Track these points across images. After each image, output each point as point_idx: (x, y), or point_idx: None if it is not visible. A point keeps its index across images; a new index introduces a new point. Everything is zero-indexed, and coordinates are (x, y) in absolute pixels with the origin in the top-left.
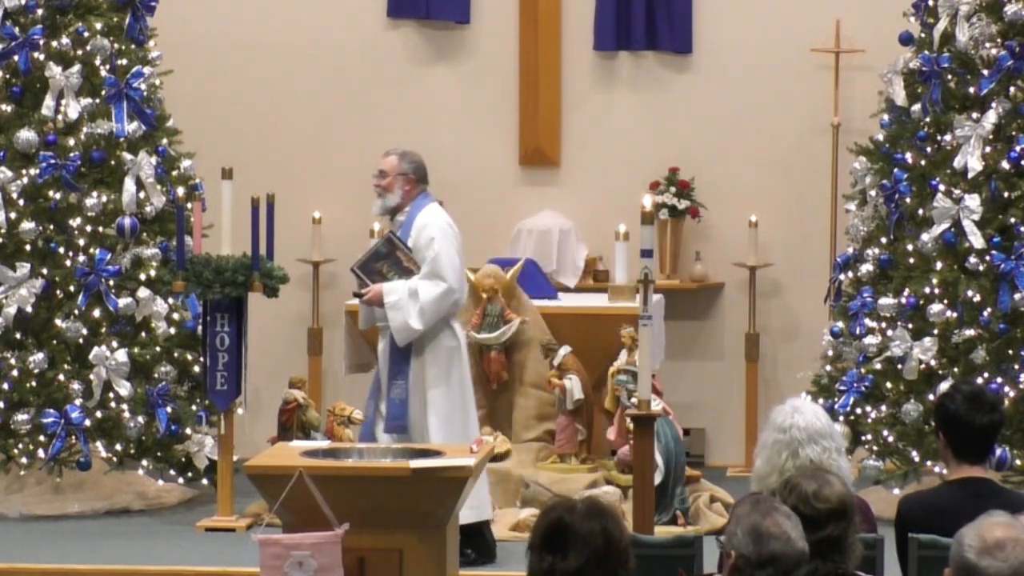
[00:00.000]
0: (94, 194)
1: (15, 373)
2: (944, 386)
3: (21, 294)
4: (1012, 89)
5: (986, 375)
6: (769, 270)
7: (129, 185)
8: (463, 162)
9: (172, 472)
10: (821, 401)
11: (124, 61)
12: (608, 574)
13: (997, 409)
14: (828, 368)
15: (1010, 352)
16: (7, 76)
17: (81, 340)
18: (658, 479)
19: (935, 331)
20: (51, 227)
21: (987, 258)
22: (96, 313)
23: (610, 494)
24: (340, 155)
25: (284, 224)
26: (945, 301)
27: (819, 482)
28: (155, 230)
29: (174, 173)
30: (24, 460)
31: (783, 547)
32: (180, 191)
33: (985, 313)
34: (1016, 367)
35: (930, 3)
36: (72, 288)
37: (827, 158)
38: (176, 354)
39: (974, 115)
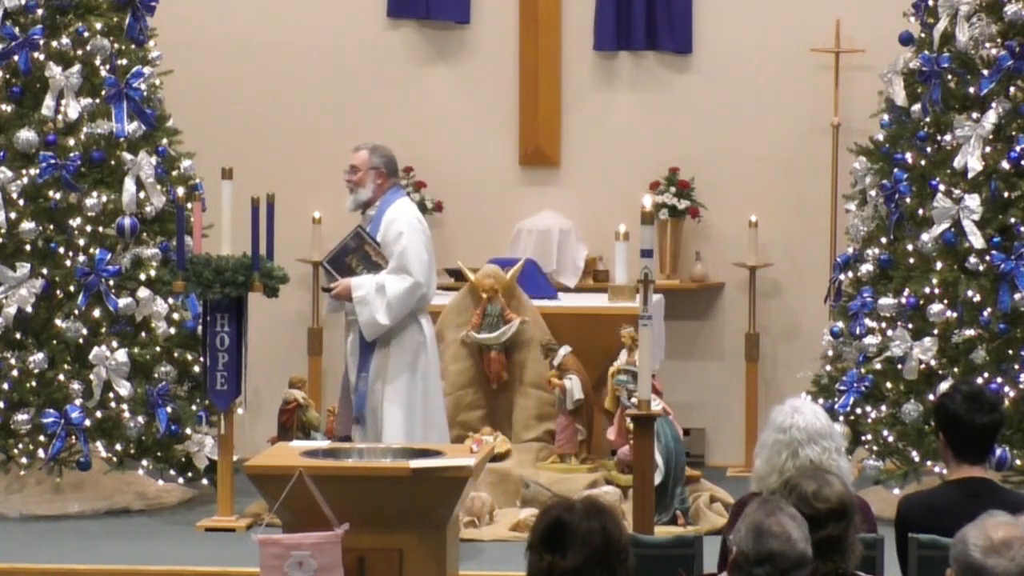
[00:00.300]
0: (94, 194)
1: (15, 373)
2: (944, 386)
3: (21, 294)
4: (1012, 89)
5: (986, 375)
6: (769, 270)
7: (129, 185)
8: (463, 162)
9: (172, 472)
10: (821, 401)
11: (124, 61)
12: (607, 573)
13: (997, 409)
14: (828, 368)
15: (1010, 352)
16: (7, 76)
17: (81, 340)
18: (658, 479)
19: (935, 331)
20: (51, 227)
21: (987, 258)
22: (96, 313)
23: (610, 494)
24: (340, 155)
25: (284, 224)
26: (945, 301)
27: (819, 482)
28: (155, 230)
29: (174, 173)
30: (24, 460)
31: (781, 546)
32: (180, 191)
33: (985, 313)
34: (1016, 367)
35: (930, 3)
36: (72, 288)
37: (827, 158)
38: (176, 354)
39: (974, 115)
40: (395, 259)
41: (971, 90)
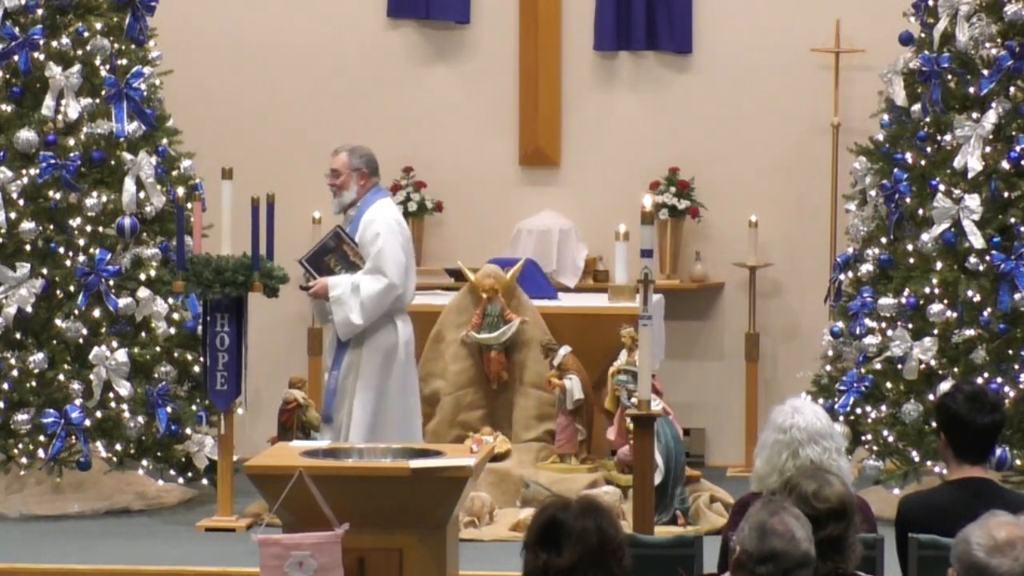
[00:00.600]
0: (94, 194)
1: (15, 373)
2: (944, 386)
3: (21, 294)
4: (1012, 89)
5: (986, 375)
6: (769, 270)
7: (129, 185)
8: (463, 162)
9: (172, 472)
10: (821, 401)
11: (124, 61)
12: (603, 571)
13: (999, 409)
14: (828, 368)
15: (1010, 352)
16: (7, 76)
17: (81, 340)
18: (658, 479)
19: (935, 331)
20: (51, 227)
21: (987, 258)
22: (96, 313)
23: (610, 494)
24: None
25: (284, 224)
26: (945, 301)
27: (819, 482)
28: (155, 230)
29: (174, 173)
30: (24, 460)
31: (785, 545)
32: (180, 191)
33: (985, 313)
34: (1016, 367)
35: (930, 3)
36: (72, 288)
37: (827, 158)
38: (176, 354)
39: (974, 115)
40: (371, 260)
41: (971, 90)
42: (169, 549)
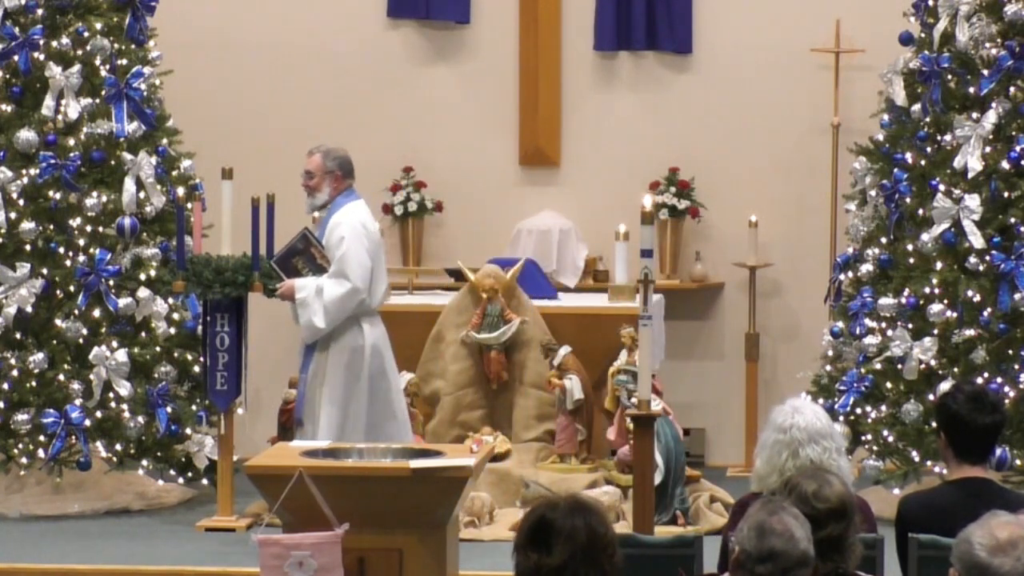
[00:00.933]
0: (94, 194)
1: (15, 373)
2: (944, 386)
3: (21, 294)
4: (1012, 89)
5: (986, 375)
6: (769, 270)
7: (129, 185)
8: (463, 162)
9: (172, 472)
10: (821, 401)
11: (124, 61)
12: (595, 569)
13: (999, 410)
14: (828, 368)
15: (1010, 352)
16: (7, 76)
17: (81, 340)
18: (658, 479)
19: (935, 331)
20: (51, 227)
21: (987, 258)
22: (96, 313)
23: (610, 494)
24: None
25: (284, 224)
26: (945, 301)
27: (819, 482)
28: (155, 230)
29: (174, 173)
30: (24, 460)
31: (784, 544)
32: (180, 191)
33: (985, 313)
34: (1016, 367)
35: (930, 3)
36: (72, 288)
37: (827, 158)
38: (176, 354)
39: (974, 115)
40: (335, 263)
41: (971, 90)
42: (169, 549)
